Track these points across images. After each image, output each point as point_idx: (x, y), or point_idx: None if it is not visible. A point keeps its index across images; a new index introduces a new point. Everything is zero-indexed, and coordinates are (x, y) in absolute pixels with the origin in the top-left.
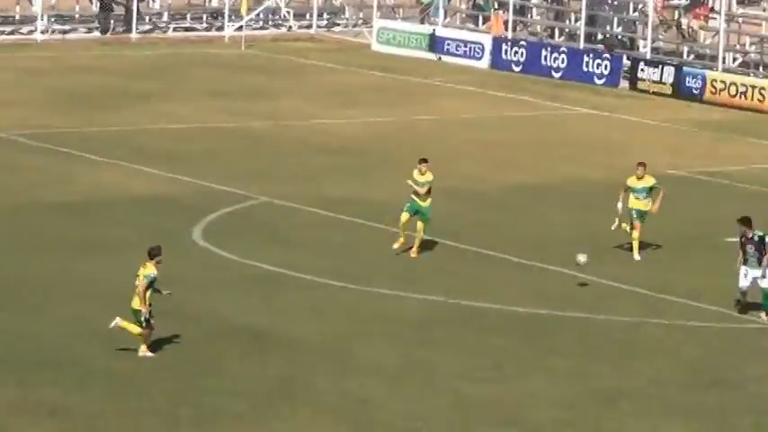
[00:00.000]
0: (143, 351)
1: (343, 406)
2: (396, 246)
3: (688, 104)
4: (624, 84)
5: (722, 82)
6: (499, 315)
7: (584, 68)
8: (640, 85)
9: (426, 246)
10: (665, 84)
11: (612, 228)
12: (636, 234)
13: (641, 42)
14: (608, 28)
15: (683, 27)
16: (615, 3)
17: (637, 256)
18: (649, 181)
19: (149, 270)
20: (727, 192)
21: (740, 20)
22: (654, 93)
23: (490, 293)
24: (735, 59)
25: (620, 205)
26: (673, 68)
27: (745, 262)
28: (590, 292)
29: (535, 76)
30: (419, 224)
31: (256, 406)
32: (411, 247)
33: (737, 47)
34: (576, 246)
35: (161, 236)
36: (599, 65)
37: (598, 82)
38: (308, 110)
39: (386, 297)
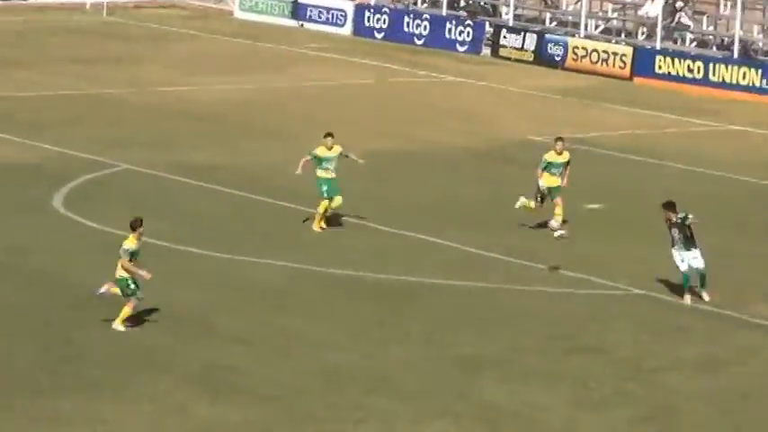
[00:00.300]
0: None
1: (204, 374)
2: (318, 227)
3: (550, 71)
4: (486, 51)
5: (584, 49)
6: (363, 282)
7: (447, 35)
8: (502, 52)
9: (290, 213)
10: (526, 51)
11: (517, 204)
12: (559, 210)
13: (504, 9)
14: None
15: None
16: None
17: (557, 227)
18: (566, 156)
19: (129, 242)
20: (589, 158)
21: None
22: (516, 60)
23: (354, 260)
24: (597, 26)
25: (541, 182)
26: (535, 35)
27: (674, 246)
28: (452, 259)
29: (398, 43)
30: (337, 199)
31: (117, 374)
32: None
33: (599, 13)
34: (438, 212)
35: (22, 203)
36: (461, 32)
37: (460, 49)
38: (171, 77)
39: (248, 264)
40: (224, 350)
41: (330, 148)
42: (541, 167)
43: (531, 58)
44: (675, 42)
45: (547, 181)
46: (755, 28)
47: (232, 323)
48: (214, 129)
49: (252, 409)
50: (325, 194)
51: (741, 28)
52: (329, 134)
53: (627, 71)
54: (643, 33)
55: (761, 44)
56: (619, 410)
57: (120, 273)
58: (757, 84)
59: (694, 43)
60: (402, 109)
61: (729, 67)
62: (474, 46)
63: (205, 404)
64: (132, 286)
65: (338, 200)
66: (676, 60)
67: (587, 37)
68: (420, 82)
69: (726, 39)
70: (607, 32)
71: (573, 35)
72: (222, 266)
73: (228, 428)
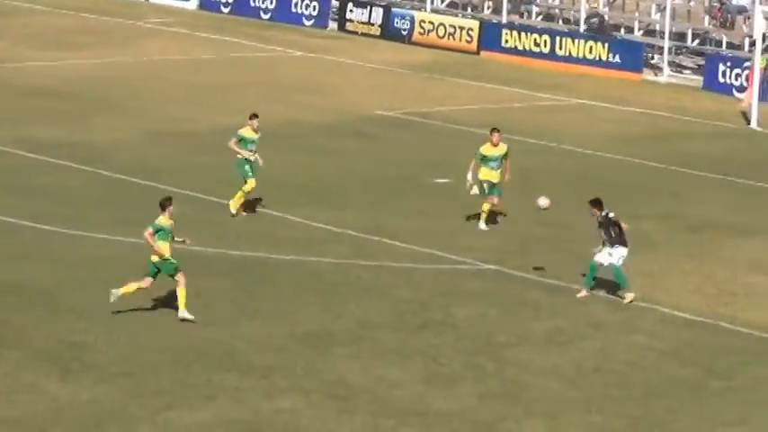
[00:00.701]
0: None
1: (54, 350)
2: (236, 212)
3: (397, 45)
4: (333, 25)
5: (430, 23)
6: (212, 258)
7: (293, 10)
8: (349, 26)
9: (138, 188)
10: (373, 25)
11: (471, 192)
12: (486, 207)
13: None
14: None
15: None
16: None
17: (483, 226)
18: (503, 148)
19: (160, 221)
20: (437, 133)
21: None
22: (363, 34)
23: (202, 236)
24: (443, 0)
25: (470, 175)
26: (381, 9)
27: (603, 245)
28: (300, 235)
29: (244, 17)
30: (252, 181)
31: None
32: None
33: None
34: (288, 188)
35: None
36: (307, 6)
37: (307, 23)
38: (16, 52)
39: (99, 241)
40: (74, 327)
41: (257, 131)
42: (476, 160)
43: (378, 33)
44: (522, 16)
45: (485, 175)
46: (601, 1)
47: (83, 300)
48: (62, 105)
49: (102, 387)
50: (251, 174)
51: (587, 2)
52: (255, 115)
53: (473, 45)
54: (489, 7)
55: (607, 17)
56: (469, 386)
57: (153, 258)
58: (604, 58)
59: (540, 17)
60: (250, 85)
61: (576, 41)
62: (320, 20)
63: (55, 381)
64: (173, 265)
65: (252, 182)
66: (523, 34)
67: (434, 11)
68: (267, 57)
69: (573, 12)
70: (453, 6)
71: (419, 9)
72: (70, 242)
73: (79, 406)
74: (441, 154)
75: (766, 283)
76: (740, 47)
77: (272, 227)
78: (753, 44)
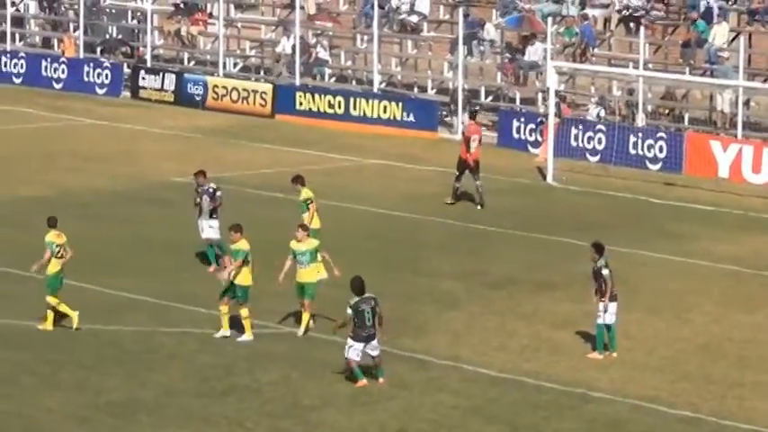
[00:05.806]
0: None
1: None
2: None
3: (191, 111)
4: (126, 93)
5: (224, 87)
6: (13, 330)
7: (85, 79)
8: (142, 93)
9: None
10: (166, 91)
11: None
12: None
13: (141, 50)
14: (107, 36)
15: (183, 34)
16: (113, 11)
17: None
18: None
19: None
20: (234, 197)
21: (239, 25)
22: (156, 101)
23: (6, 309)
24: (236, 64)
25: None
26: (174, 75)
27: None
28: (98, 303)
29: (36, 87)
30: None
31: None
32: None
33: (238, 51)
34: (82, 256)
35: None
36: (99, 74)
37: (99, 92)
38: None
39: None
40: None
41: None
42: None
43: (172, 99)
44: (315, 78)
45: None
46: (393, 61)
47: None
48: None
49: None
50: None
51: (379, 62)
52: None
53: (268, 109)
54: (280, 74)
55: (399, 77)
56: None
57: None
58: (399, 117)
59: (333, 78)
60: (45, 154)
61: (370, 101)
62: (113, 88)
63: None
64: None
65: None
66: (317, 96)
67: (227, 75)
68: (61, 126)
69: (366, 73)
70: (246, 70)
71: (212, 74)
72: None
73: None
74: (238, 219)
75: (567, 338)
76: (534, 102)
77: (67, 296)
78: (545, 99)
